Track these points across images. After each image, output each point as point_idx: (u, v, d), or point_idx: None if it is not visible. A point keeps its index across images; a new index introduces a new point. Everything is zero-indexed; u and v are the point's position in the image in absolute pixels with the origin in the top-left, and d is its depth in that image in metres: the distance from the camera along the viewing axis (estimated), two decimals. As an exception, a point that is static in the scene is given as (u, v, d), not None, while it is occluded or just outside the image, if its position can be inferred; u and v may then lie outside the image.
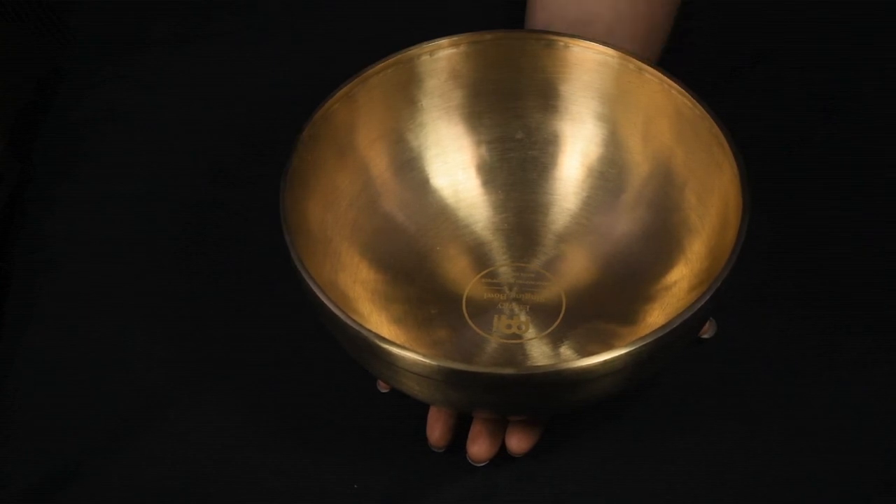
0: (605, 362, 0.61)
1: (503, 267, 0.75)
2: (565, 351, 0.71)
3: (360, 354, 0.64)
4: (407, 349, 0.61)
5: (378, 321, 0.71)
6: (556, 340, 0.72)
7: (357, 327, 0.62)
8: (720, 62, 0.87)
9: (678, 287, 0.70)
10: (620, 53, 0.73)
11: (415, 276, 0.74)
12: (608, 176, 0.76)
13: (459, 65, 0.75)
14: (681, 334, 0.62)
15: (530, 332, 0.72)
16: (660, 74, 0.72)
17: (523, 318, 0.73)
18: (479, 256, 0.75)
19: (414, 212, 0.76)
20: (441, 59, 0.74)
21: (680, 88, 0.71)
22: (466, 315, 0.73)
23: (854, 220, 0.79)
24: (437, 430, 0.69)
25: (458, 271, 0.75)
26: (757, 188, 0.67)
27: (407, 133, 0.76)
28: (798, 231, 0.79)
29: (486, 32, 0.75)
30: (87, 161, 0.85)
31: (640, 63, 0.73)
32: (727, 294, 0.64)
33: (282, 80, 0.87)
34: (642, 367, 0.62)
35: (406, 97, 0.75)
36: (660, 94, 0.72)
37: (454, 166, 0.77)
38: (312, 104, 0.71)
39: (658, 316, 0.70)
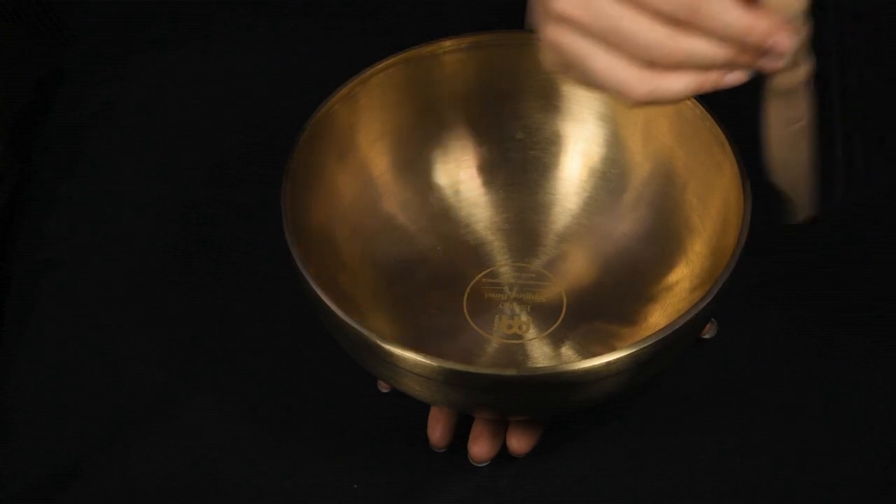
0: (606, 364, 0.61)
1: (504, 267, 0.75)
2: (566, 351, 0.71)
3: (361, 355, 0.64)
4: (407, 349, 0.61)
5: (378, 321, 0.71)
6: (556, 341, 0.72)
7: (357, 327, 0.62)
8: (720, 62, 0.87)
9: (679, 287, 0.70)
10: (621, 53, 0.73)
11: (415, 276, 0.74)
12: (609, 176, 0.75)
13: (460, 64, 0.75)
14: (683, 335, 0.62)
15: (531, 333, 0.72)
16: (660, 74, 0.72)
17: (524, 318, 0.73)
18: (479, 256, 0.75)
19: (414, 212, 0.76)
20: (442, 58, 0.74)
21: (680, 88, 0.71)
22: (467, 315, 0.73)
23: (854, 220, 0.79)
24: (437, 430, 0.69)
25: (459, 271, 0.75)
26: (757, 188, 0.67)
27: (407, 133, 0.76)
28: (798, 231, 0.78)
29: (487, 32, 0.75)
30: (87, 161, 0.85)
31: (640, 63, 0.73)
32: (728, 294, 0.64)
33: (282, 80, 0.87)
34: (644, 368, 0.62)
35: (406, 97, 0.75)
36: (660, 93, 0.72)
37: (455, 166, 0.77)
38: (312, 104, 0.71)
39: (659, 316, 0.70)
